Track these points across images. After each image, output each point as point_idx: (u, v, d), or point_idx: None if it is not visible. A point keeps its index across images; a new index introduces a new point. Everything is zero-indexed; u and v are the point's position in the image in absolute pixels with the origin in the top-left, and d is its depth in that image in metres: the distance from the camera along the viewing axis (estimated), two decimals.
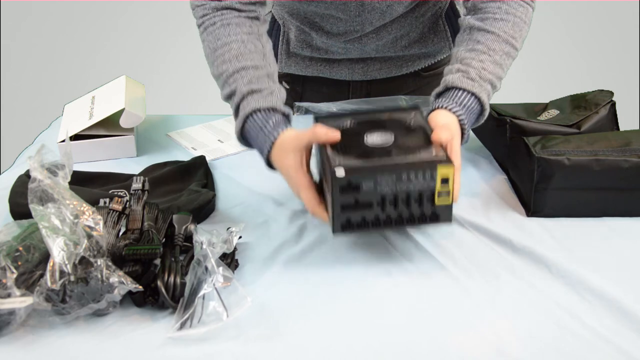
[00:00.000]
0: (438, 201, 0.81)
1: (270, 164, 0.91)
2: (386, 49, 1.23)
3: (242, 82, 0.93)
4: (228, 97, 0.96)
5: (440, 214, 0.82)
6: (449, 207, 0.82)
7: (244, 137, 0.94)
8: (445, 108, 0.91)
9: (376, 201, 0.80)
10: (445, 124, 0.87)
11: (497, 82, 0.96)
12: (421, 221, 0.83)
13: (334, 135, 0.83)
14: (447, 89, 0.94)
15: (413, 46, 1.25)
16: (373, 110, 0.93)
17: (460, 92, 0.93)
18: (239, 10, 1.00)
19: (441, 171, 0.79)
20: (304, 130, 0.86)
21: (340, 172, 0.78)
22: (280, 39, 1.27)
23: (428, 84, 1.33)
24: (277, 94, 0.93)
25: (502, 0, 0.99)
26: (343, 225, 0.82)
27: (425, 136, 0.86)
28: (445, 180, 0.79)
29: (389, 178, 0.79)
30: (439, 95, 0.96)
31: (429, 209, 0.81)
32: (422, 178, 0.79)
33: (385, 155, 0.82)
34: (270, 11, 1.28)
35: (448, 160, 0.80)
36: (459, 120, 0.91)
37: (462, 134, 0.91)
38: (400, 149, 0.83)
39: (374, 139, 0.85)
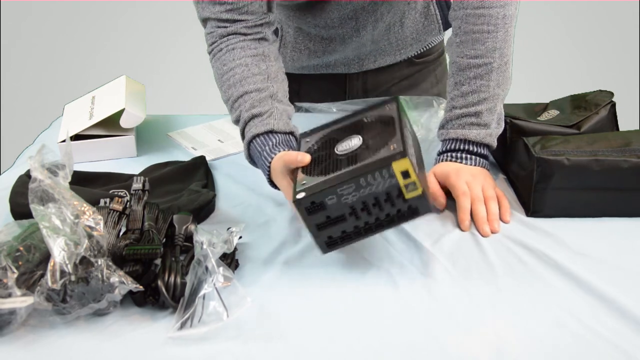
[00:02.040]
0: (408, 195, 0.79)
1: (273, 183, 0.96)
2: (380, 36, 1.25)
3: (244, 108, 0.98)
4: (236, 122, 1.01)
5: (417, 207, 0.80)
6: (423, 198, 0.79)
7: (253, 160, 1.00)
8: (442, 161, 1.03)
9: (347, 212, 0.80)
10: (454, 184, 0.97)
11: (475, 98, 1.00)
12: (401, 219, 0.81)
13: (303, 159, 0.86)
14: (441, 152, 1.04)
15: (406, 33, 1.27)
16: (353, 113, 0.92)
17: (445, 146, 1.03)
18: (245, 34, 1.03)
19: (396, 167, 0.77)
20: (287, 153, 0.89)
21: (300, 196, 0.79)
22: (279, 42, 1.28)
23: (420, 70, 1.38)
24: (276, 115, 0.97)
25: (461, 18, 1.01)
26: (327, 243, 0.83)
27: (391, 128, 0.84)
28: (406, 173, 0.78)
29: (349, 188, 0.78)
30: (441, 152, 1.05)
31: (404, 205, 0.80)
32: (381, 178, 0.78)
33: (350, 164, 0.81)
34: None
35: (400, 154, 0.78)
36: (457, 157, 1.01)
37: (475, 153, 1.01)
38: (365, 152, 0.82)
39: (343, 146, 0.85)
